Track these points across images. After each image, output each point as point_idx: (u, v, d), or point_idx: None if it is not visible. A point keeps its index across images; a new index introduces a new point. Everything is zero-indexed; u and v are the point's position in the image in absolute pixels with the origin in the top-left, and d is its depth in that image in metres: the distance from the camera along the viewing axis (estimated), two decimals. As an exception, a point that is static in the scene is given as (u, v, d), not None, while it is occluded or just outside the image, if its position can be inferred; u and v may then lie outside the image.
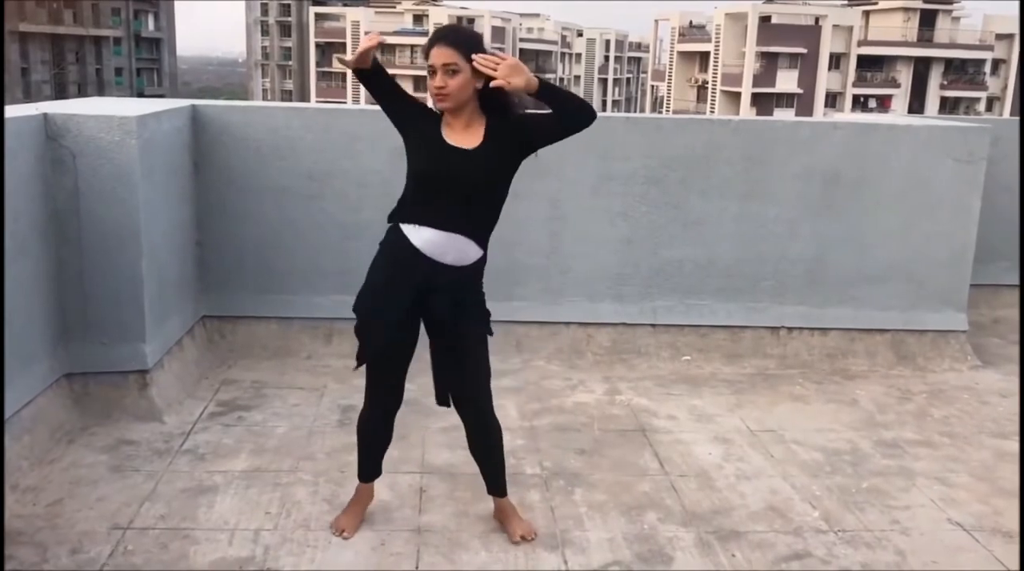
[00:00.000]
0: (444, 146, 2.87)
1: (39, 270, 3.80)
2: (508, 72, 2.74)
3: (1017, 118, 6.24)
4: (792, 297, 5.26)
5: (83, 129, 3.88)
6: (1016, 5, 56.47)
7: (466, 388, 3.12)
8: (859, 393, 4.83)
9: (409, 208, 2.94)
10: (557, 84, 2.78)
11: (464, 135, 2.89)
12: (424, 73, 2.94)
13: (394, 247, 2.95)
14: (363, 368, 3.11)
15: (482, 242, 2.98)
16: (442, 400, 3.16)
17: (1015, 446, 4.19)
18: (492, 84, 2.76)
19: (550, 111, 2.84)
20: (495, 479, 3.28)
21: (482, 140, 2.89)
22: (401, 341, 3.04)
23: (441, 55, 2.80)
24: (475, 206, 2.91)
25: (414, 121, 2.94)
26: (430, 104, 2.95)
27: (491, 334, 3.11)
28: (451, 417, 4.13)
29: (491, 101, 2.88)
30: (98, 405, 4.04)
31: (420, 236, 2.89)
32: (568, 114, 2.84)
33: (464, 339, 3.04)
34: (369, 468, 3.28)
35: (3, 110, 3.58)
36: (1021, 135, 5.06)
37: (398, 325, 2.99)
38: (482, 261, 3.01)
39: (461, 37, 2.86)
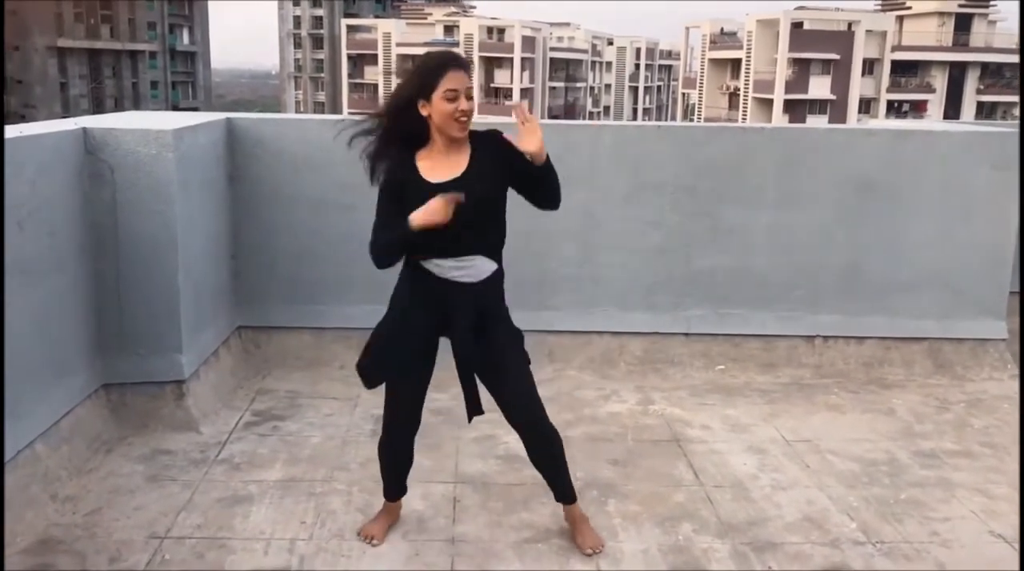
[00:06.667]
0: (431, 188, 2.86)
1: (77, 283, 3.86)
2: (533, 133, 2.83)
3: None
4: (827, 306, 5.21)
5: (121, 143, 3.93)
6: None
7: (514, 398, 3.08)
8: (896, 403, 4.77)
9: (418, 248, 2.94)
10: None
11: (450, 166, 2.91)
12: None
13: (410, 279, 3.01)
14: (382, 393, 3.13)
15: (495, 257, 3.00)
16: (474, 411, 3.12)
17: (1057, 457, 4.11)
18: (519, 145, 2.84)
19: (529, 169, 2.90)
20: (562, 486, 3.25)
21: (467, 166, 2.91)
22: (421, 368, 3.07)
23: (463, 79, 2.83)
24: (477, 228, 2.92)
25: (403, 193, 2.94)
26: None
27: (525, 353, 3.10)
28: (484, 427, 4.14)
29: None
30: (135, 415, 4.09)
31: (435, 264, 2.94)
32: (546, 195, 3.01)
33: (499, 353, 3.04)
34: (394, 489, 3.31)
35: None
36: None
37: (419, 353, 3.03)
38: (498, 274, 3.02)
39: (469, 64, 2.93)
